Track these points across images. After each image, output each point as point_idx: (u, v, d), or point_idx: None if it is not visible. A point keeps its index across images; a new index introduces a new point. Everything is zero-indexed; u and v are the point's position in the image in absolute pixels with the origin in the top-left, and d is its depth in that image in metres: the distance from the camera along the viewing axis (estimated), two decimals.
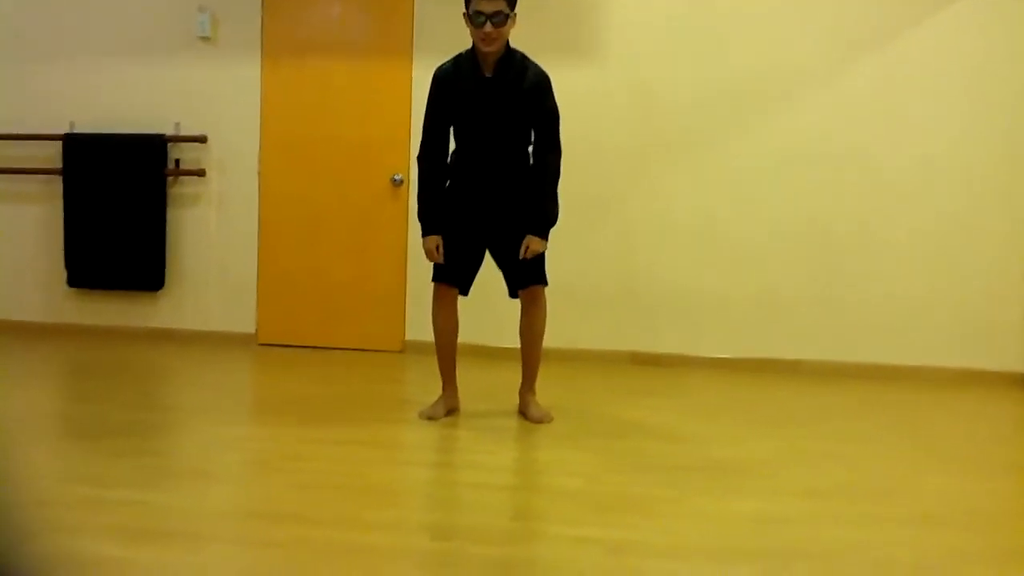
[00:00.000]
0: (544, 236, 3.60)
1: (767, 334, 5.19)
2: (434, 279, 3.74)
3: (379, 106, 5.40)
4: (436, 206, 3.65)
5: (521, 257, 3.59)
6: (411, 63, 5.32)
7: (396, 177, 5.37)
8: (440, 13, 5.25)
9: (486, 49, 3.43)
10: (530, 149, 3.66)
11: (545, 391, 3.90)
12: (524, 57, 3.55)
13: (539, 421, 3.70)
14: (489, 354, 4.93)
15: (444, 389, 3.82)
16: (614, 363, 5.20)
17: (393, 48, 5.38)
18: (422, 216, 3.66)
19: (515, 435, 3.54)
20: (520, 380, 3.85)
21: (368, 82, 5.44)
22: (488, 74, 3.50)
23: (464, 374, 3.88)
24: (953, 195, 5.04)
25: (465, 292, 3.75)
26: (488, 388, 4.25)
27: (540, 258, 3.67)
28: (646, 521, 2.63)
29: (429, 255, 3.66)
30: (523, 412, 3.80)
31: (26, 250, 5.75)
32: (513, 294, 3.75)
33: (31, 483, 2.75)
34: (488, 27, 3.36)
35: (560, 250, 5.15)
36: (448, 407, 3.79)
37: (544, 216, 3.60)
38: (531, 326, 3.76)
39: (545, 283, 3.72)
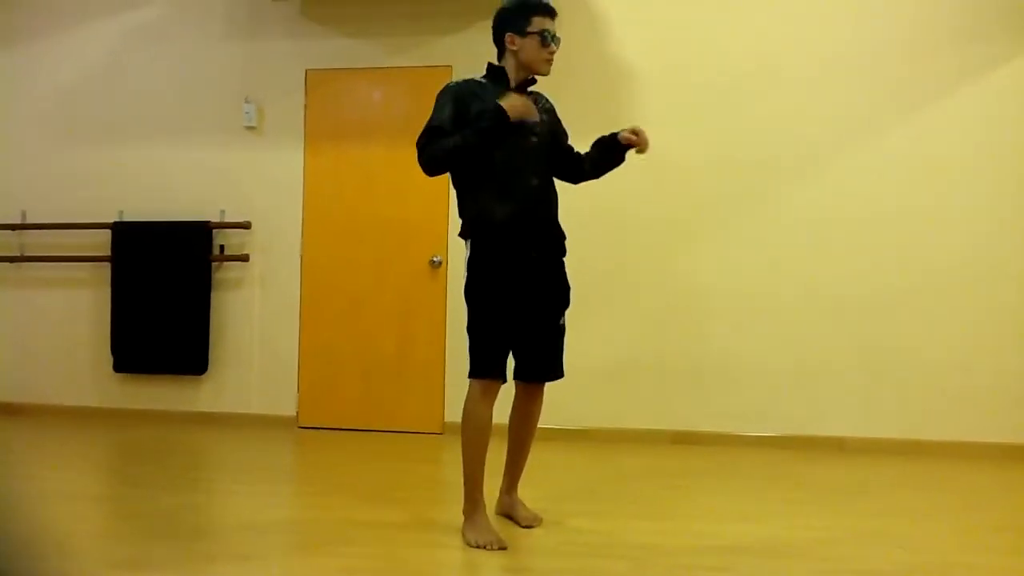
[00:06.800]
0: None
1: (809, 411, 5.11)
2: (484, 375, 3.08)
3: (417, 189, 5.47)
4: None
5: (628, 141, 3.15)
6: None
7: (435, 259, 5.44)
8: None
9: (546, 72, 3.15)
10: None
11: (588, 471, 3.84)
12: None
13: (531, 524, 3.31)
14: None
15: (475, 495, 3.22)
16: (656, 443, 5.14)
17: None
18: (472, 135, 3.08)
19: (555, 516, 3.47)
20: (495, 479, 3.39)
21: (407, 166, 5.45)
22: (514, 87, 3.18)
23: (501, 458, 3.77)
24: (993, 262, 5.00)
25: (505, 379, 3.29)
26: (526, 470, 4.19)
27: (563, 350, 3.28)
28: None
29: (522, 107, 3.03)
30: (510, 515, 3.37)
31: (75, 336, 5.87)
32: (528, 377, 3.26)
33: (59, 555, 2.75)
34: (554, 47, 3.10)
35: (597, 327, 5.19)
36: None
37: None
38: (529, 422, 3.35)
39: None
